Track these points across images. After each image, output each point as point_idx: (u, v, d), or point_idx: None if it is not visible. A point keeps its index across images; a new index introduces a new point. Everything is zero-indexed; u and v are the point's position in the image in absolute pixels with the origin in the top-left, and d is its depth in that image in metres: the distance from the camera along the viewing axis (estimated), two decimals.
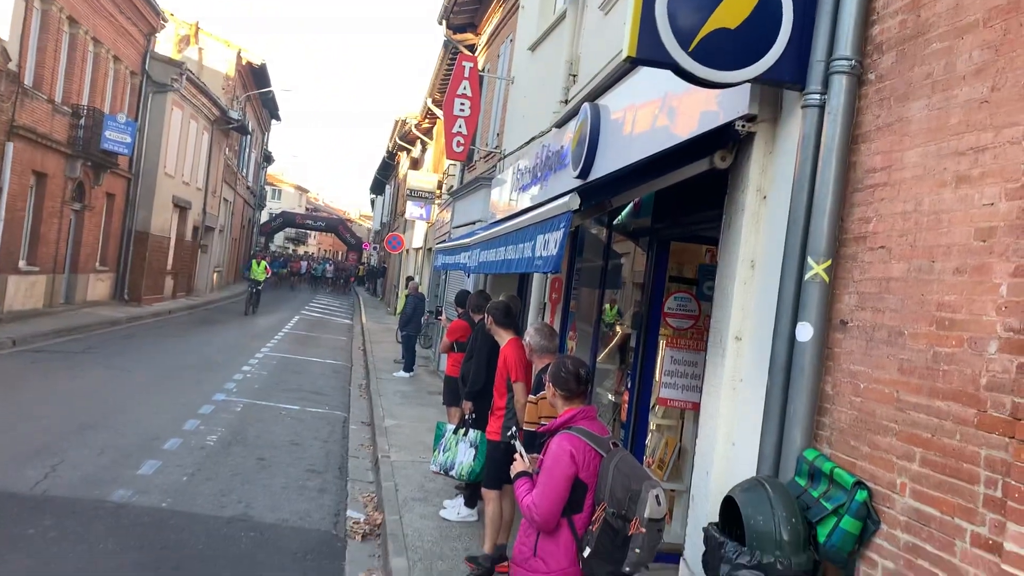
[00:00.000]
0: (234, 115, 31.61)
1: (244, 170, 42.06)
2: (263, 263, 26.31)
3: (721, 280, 4.17)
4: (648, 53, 3.48)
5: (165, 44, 27.17)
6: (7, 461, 7.10)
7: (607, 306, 7.10)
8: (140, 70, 23.31)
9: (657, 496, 3.21)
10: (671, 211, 5.71)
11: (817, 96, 3.40)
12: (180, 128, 26.14)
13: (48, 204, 18.30)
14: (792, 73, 3.55)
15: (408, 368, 15.38)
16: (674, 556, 4.82)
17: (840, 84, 3.30)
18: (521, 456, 3.71)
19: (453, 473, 6.13)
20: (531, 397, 5.12)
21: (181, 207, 27.68)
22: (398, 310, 20.33)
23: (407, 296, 16.51)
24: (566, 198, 4.31)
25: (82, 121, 19.07)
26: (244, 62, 33.70)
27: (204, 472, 7.61)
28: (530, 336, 5.09)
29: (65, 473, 6.99)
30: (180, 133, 26.22)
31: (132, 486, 6.88)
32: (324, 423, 10.70)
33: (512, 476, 3.66)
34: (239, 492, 7.14)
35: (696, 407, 5.78)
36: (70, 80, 18.72)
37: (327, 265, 57.08)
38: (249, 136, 40.35)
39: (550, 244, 4.30)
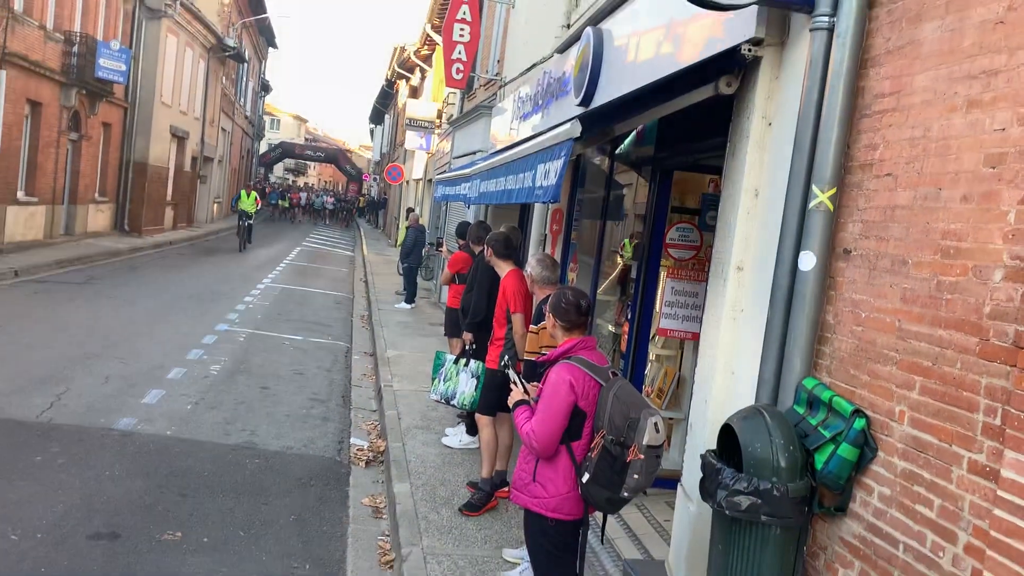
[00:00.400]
0: (230, 43, 30.98)
1: (242, 99, 41.46)
2: (253, 194, 24.69)
3: (724, 209, 4.11)
4: None
5: None
6: (13, 390, 7.17)
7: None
8: None
9: (656, 424, 3.24)
10: (674, 140, 5.61)
11: (826, 19, 3.29)
12: (175, 56, 25.65)
13: (44, 134, 18.08)
14: None
15: (409, 300, 15.42)
16: (671, 482, 4.89)
17: (850, 5, 3.19)
18: (516, 384, 3.73)
19: (455, 402, 6.19)
20: (532, 327, 5.12)
21: (179, 137, 27.37)
22: (399, 242, 20.26)
23: (408, 228, 16.45)
24: (567, 126, 4.22)
25: (75, 48, 18.71)
26: None
27: (208, 401, 7.70)
28: (531, 267, 5.05)
29: (71, 401, 7.07)
30: (176, 61, 25.74)
31: (137, 414, 6.96)
32: (327, 353, 10.78)
33: (511, 405, 3.69)
34: (243, 420, 7.24)
35: (696, 337, 5.79)
36: (61, 5, 18.28)
37: (326, 197, 55.02)
38: (246, 64, 39.66)
39: (551, 173, 4.23)
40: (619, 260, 7.15)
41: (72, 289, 13.29)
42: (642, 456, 3.23)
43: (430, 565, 4.65)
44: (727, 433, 3.28)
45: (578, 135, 4.11)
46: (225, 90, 34.85)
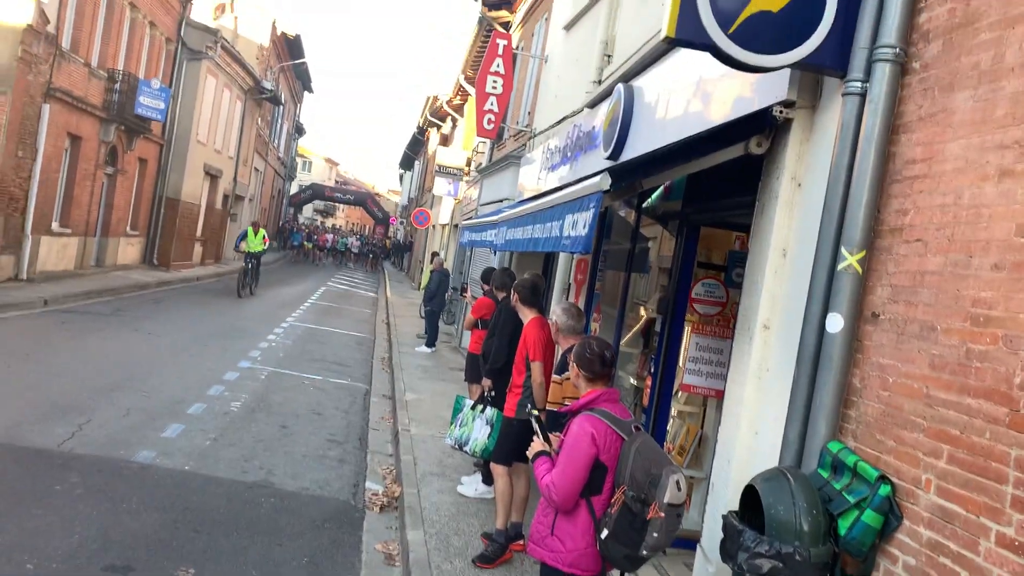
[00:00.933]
0: (267, 85, 31.71)
1: (275, 141, 42.26)
2: (261, 231, 21.63)
3: (751, 267, 4.12)
4: (687, 34, 3.43)
5: (201, 11, 27.24)
6: (37, 418, 7.24)
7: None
8: (176, 36, 23.42)
9: (677, 481, 3.21)
10: (702, 196, 5.65)
11: (859, 84, 3.33)
12: (213, 96, 26.27)
13: (82, 167, 18.50)
14: (834, 59, 3.48)
15: (430, 344, 15.45)
16: (691, 542, 4.82)
17: (883, 72, 3.23)
18: (539, 435, 3.72)
19: (467, 448, 6.16)
20: (556, 377, 5.11)
21: (212, 175, 27.88)
22: (422, 285, 20.34)
23: (432, 272, 16.54)
24: (597, 178, 4.27)
25: (117, 85, 19.22)
26: (279, 32, 33.77)
27: (227, 437, 7.71)
28: (557, 315, 5.05)
29: (92, 432, 7.12)
30: (213, 101, 26.36)
31: (156, 448, 6.99)
32: (346, 394, 10.79)
33: (531, 456, 3.67)
34: (261, 458, 7.23)
35: (720, 395, 5.75)
36: (106, 44, 18.86)
37: (351, 239, 53.26)
38: (281, 107, 40.50)
39: (579, 224, 4.27)
40: (642, 312, 7.15)
41: (99, 320, 13.46)
42: (663, 515, 3.19)
43: None
44: (749, 494, 3.24)
45: (607, 188, 4.16)
46: (260, 131, 35.56)
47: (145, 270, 22.70)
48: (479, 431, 6.03)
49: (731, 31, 3.40)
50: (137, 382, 9.26)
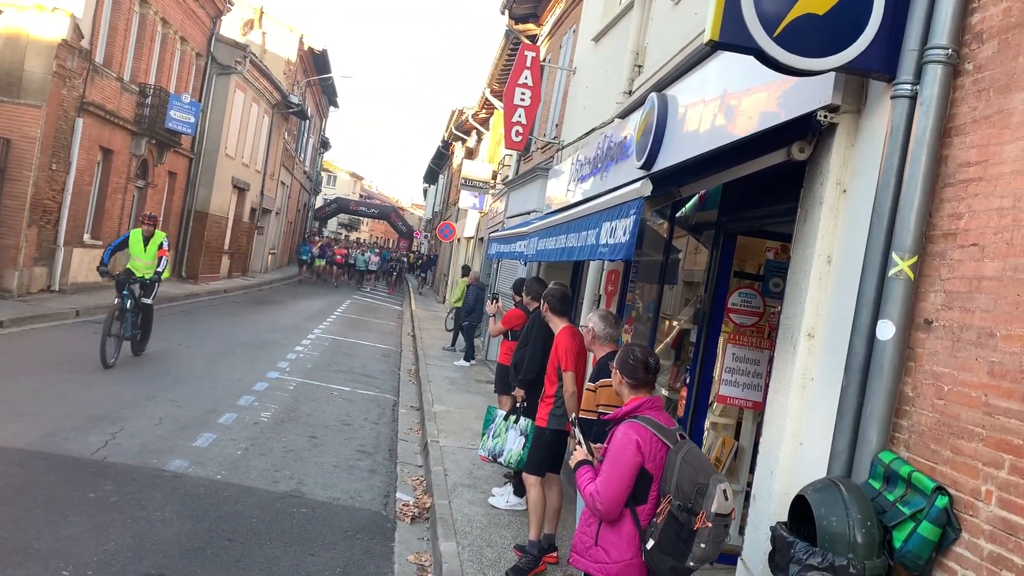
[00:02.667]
0: (294, 100, 32.01)
1: (302, 155, 42.62)
2: (159, 237, 11.42)
3: (794, 275, 4.05)
4: (731, 37, 3.39)
5: (230, 27, 27.60)
6: (71, 427, 7.28)
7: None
8: (205, 52, 23.71)
9: (725, 491, 3.15)
10: (738, 204, 5.58)
11: (908, 86, 3.27)
12: (242, 110, 26.55)
13: (113, 180, 18.73)
14: (881, 62, 3.42)
15: (468, 357, 15.45)
16: (729, 557, 4.73)
17: (935, 74, 3.17)
18: (581, 444, 3.66)
19: (501, 460, 6.11)
20: (589, 384, 5.05)
21: (240, 188, 28.14)
22: (448, 300, 20.16)
23: (468, 286, 16.47)
24: (637, 184, 4.23)
25: (148, 100, 19.48)
26: (306, 47, 34.10)
27: (258, 447, 7.71)
28: (593, 323, 4.99)
29: (125, 441, 7.14)
30: (241, 115, 26.64)
31: (188, 457, 7.00)
32: (374, 405, 10.77)
33: (572, 465, 3.62)
34: (292, 468, 7.22)
35: (756, 406, 5.67)
36: (138, 59, 19.12)
37: (371, 255, 41.81)
38: (308, 121, 40.85)
39: (618, 231, 4.22)
40: (674, 324, 7.07)
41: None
42: (710, 524, 3.13)
43: None
44: (796, 505, 3.16)
45: (648, 194, 4.11)
46: (287, 145, 35.88)
47: (173, 283, 22.88)
48: (513, 442, 5.97)
49: (776, 34, 3.36)
50: (168, 392, 9.31)
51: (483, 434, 6.56)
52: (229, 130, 25.30)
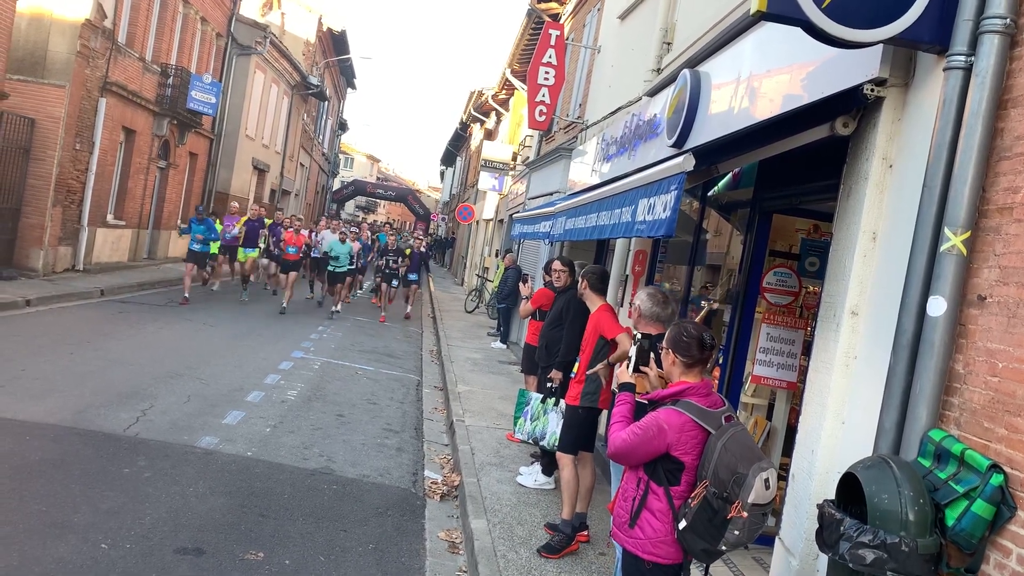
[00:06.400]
0: (313, 81, 31.99)
1: (320, 137, 42.65)
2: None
3: (837, 252, 3.99)
4: (779, 8, 3.32)
5: (250, 7, 27.57)
6: (102, 403, 7.34)
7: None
8: (225, 32, 23.71)
9: (767, 480, 3.11)
10: (775, 182, 5.51)
11: (963, 58, 3.19)
12: (261, 91, 26.57)
13: (136, 160, 18.82)
14: (932, 33, 3.34)
15: (504, 340, 15.44)
16: (765, 538, 4.70)
17: (991, 44, 3.09)
18: (630, 364, 3.63)
19: (544, 443, 6.09)
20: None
21: (260, 169, 28.21)
22: (494, 284, 19.64)
23: (506, 269, 16.36)
24: (679, 159, 4.17)
25: (170, 80, 19.52)
26: (324, 28, 34.03)
27: (286, 425, 7.75)
28: (640, 300, 4.78)
29: (155, 418, 7.20)
30: (261, 96, 26.66)
31: (218, 434, 7.05)
32: (398, 385, 10.80)
33: (616, 384, 3.60)
34: (320, 446, 7.26)
35: (791, 386, 5.62)
36: (160, 40, 19.15)
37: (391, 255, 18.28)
38: (326, 103, 40.84)
39: (657, 207, 4.17)
40: (704, 304, 7.01)
41: (154, 311, 13.65)
42: (745, 514, 3.10)
43: None
44: (840, 483, 3.13)
45: (691, 168, 4.05)
46: (305, 126, 35.90)
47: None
48: (555, 424, 5.94)
49: (825, 5, 3.28)
50: (195, 370, 9.36)
51: (517, 417, 6.54)
52: (249, 111, 25.34)
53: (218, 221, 16.56)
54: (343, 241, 17.14)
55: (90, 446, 6.20)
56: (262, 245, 17.34)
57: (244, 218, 17.21)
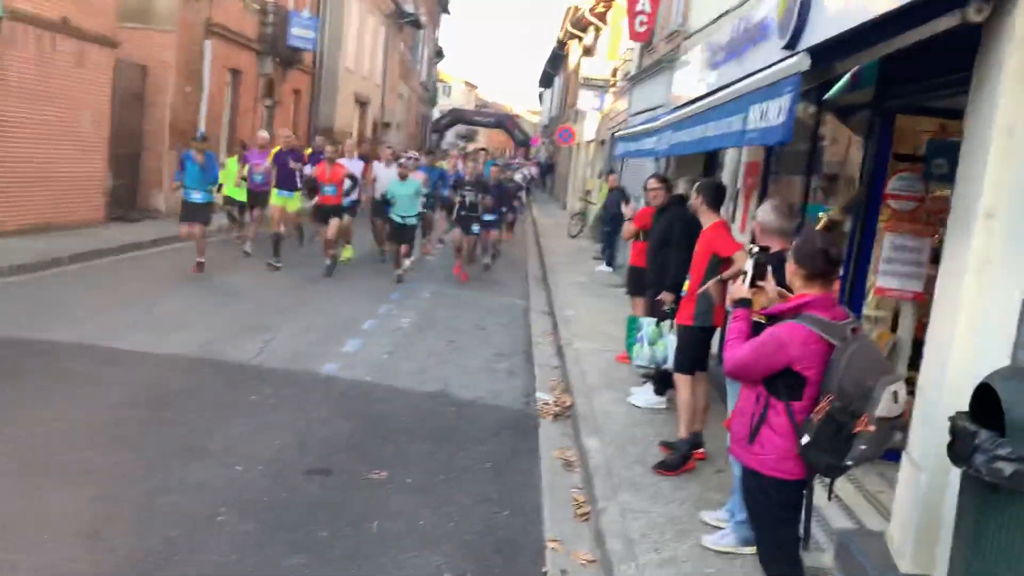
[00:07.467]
0: (407, 8, 31.84)
1: (417, 66, 42.67)
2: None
3: (969, 151, 3.70)
4: None
5: None
6: (227, 335, 7.75)
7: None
8: None
9: (895, 392, 2.97)
10: (898, 80, 5.13)
11: None
12: (358, 23, 26.67)
13: (243, 100, 19.32)
14: None
15: (610, 263, 15.29)
16: (892, 454, 4.54)
17: None
18: (745, 279, 3.53)
19: (667, 365, 6.03)
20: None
21: (361, 103, 28.54)
22: (569, 207, 19.64)
23: (609, 191, 16.06)
24: (793, 59, 3.93)
25: (270, 18, 19.77)
26: None
27: (402, 351, 8.00)
28: (764, 213, 4.44)
29: (278, 347, 7.54)
30: (358, 28, 26.77)
31: (338, 361, 7.35)
32: (506, 311, 10.93)
33: (731, 300, 3.52)
34: (435, 370, 7.46)
35: (918, 297, 5.35)
36: None
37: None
38: (422, 31, 40.66)
39: (771, 112, 3.96)
40: (820, 216, 6.71)
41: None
42: (872, 428, 2.98)
43: (627, 520, 4.57)
44: (973, 395, 2.97)
45: (807, 68, 3.81)
46: (402, 56, 35.96)
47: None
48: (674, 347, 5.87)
49: None
50: (312, 303, 9.74)
51: (631, 344, 6.48)
52: (347, 44, 25.51)
53: (235, 157, 13.49)
54: (403, 178, 11.89)
55: (219, 376, 6.57)
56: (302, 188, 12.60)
57: (275, 149, 12.60)
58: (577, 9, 29.10)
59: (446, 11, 47.99)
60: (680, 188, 7.53)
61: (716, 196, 5.51)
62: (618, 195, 15.23)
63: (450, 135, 75.47)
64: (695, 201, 5.53)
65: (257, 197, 12.83)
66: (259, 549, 3.97)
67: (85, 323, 7.63)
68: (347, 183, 11.87)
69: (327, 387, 6.61)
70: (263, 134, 13.62)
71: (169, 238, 13.37)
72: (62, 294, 8.93)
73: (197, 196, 10.69)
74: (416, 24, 35.78)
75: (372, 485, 4.85)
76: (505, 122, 63.32)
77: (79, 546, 3.82)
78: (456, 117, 60.66)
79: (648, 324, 6.29)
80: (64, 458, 4.73)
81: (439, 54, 53.45)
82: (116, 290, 9.02)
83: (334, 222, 11.75)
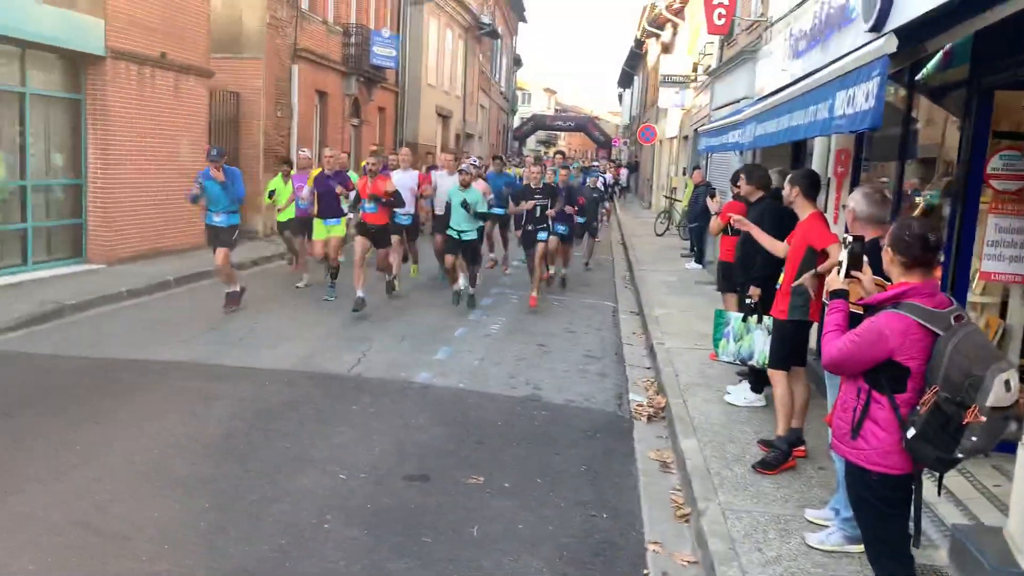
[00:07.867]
0: (485, 20, 32.18)
1: (496, 76, 43.03)
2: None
3: None
4: None
5: None
6: (326, 348, 8.02)
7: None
8: None
9: (1007, 381, 2.84)
10: (995, 54, 4.90)
11: None
12: (437, 38, 27.12)
13: (331, 120, 19.90)
14: None
15: (699, 260, 15.13)
16: (1007, 445, 4.33)
17: None
18: (840, 269, 3.43)
19: (753, 361, 5.92)
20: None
21: (443, 116, 28.98)
22: (654, 205, 19.48)
23: (695, 187, 15.87)
24: (879, 42, 3.81)
25: (352, 39, 20.33)
26: None
27: (492, 357, 8.08)
28: (856, 201, 4.26)
29: (374, 358, 7.74)
30: (437, 43, 27.22)
31: (432, 369, 7.49)
32: (594, 312, 10.90)
33: (827, 292, 3.43)
34: (526, 375, 7.51)
35: None
36: (339, 1, 19.93)
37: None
38: (499, 41, 41.01)
39: (858, 98, 3.85)
40: (917, 201, 6.45)
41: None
42: (983, 419, 2.85)
43: (729, 520, 4.50)
44: None
45: (893, 50, 3.69)
46: (481, 67, 36.34)
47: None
48: (763, 342, 5.75)
49: None
50: (405, 313, 9.92)
51: (717, 338, 6.38)
52: (428, 59, 25.97)
53: (279, 176, 11.70)
54: (465, 185, 10.28)
55: (319, 387, 6.78)
56: (348, 213, 10.72)
57: (315, 172, 10.83)
58: (654, 7, 28.80)
59: (523, 19, 48.22)
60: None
61: (811, 185, 5.33)
62: (703, 190, 15.00)
63: (531, 141, 75.79)
64: (791, 193, 5.37)
65: (303, 224, 11.35)
66: (365, 554, 4.08)
67: (193, 342, 8.01)
68: (392, 199, 9.78)
69: (422, 395, 6.75)
70: (304, 153, 12.14)
71: (270, 257, 13.90)
72: (171, 315, 9.39)
73: (219, 219, 9.31)
74: (494, 34, 36.12)
75: (470, 490, 4.92)
76: (585, 125, 63.19)
77: (196, 554, 4.01)
78: (537, 123, 60.91)
79: (735, 319, 6.18)
80: (179, 471, 4.97)
81: (517, 62, 53.75)
82: (220, 309, 9.40)
83: (386, 249, 10.14)
